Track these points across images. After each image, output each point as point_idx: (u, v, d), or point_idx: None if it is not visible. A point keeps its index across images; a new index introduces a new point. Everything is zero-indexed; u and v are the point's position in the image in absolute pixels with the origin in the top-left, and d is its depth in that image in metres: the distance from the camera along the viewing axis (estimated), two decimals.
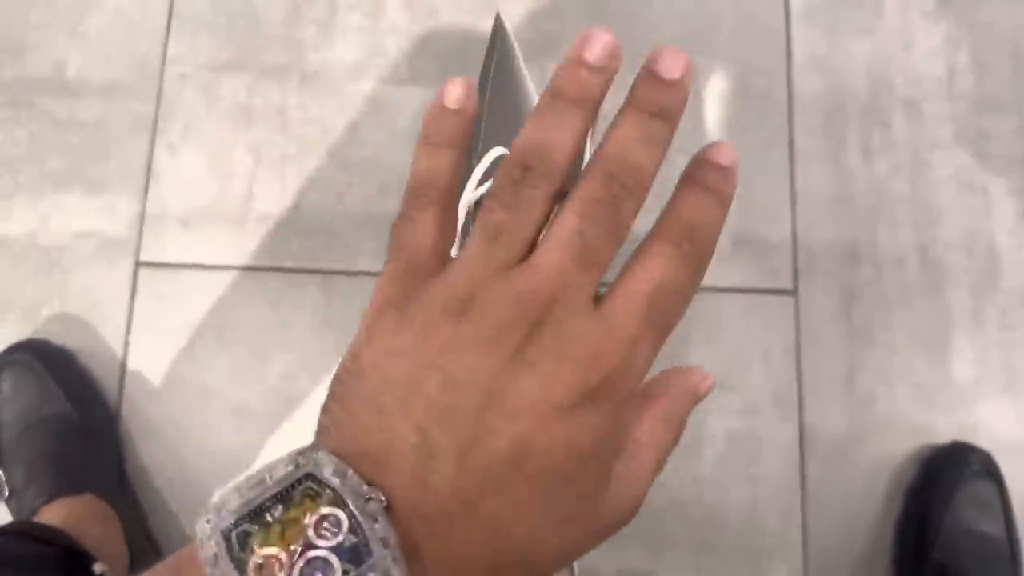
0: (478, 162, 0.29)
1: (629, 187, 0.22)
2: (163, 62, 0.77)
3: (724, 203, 0.23)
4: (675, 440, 0.25)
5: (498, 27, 0.44)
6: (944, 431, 0.72)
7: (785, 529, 0.70)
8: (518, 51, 0.45)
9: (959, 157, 0.77)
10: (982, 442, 0.71)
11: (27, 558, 0.47)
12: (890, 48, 0.79)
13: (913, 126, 0.77)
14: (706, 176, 0.23)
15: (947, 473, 0.68)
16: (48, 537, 0.49)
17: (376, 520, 0.19)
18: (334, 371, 0.23)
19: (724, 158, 0.23)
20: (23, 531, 0.50)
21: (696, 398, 0.26)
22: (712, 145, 0.23)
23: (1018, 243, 0.75)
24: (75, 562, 0.48)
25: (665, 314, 0.22)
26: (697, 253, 0.22)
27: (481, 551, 0.21)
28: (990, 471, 0.69)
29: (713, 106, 0.77)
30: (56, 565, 0.48)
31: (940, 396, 0.72)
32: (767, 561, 0.69)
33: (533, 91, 0.46)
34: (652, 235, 0.23)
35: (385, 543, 0.19)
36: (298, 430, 0.70)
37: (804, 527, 0.70)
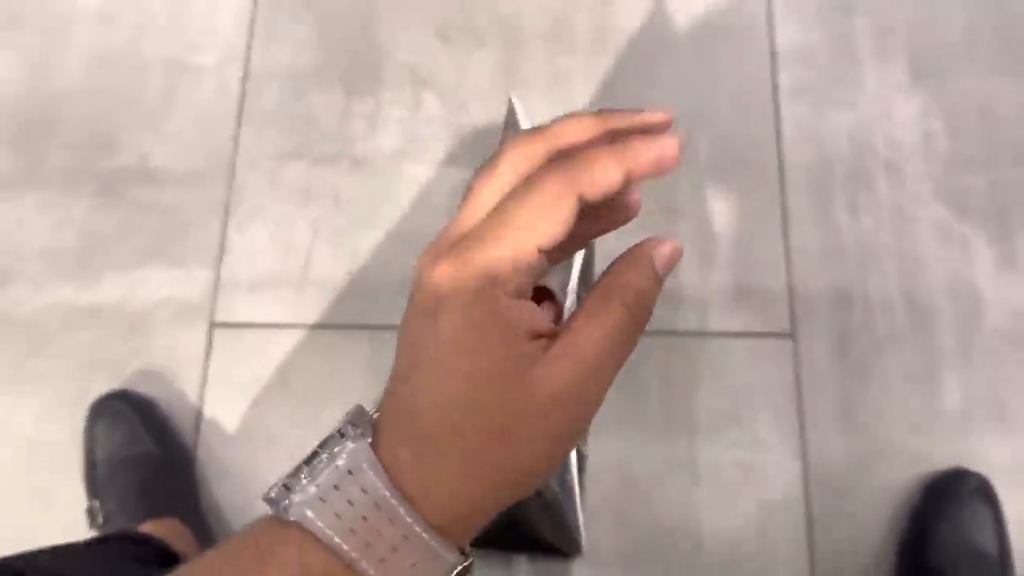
0: None
1: None
2: (234, 153, 0.90)
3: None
4: (626, 320, 0.26)
5: (511, 109, 0.55)
6: (940, 458, 0.78)
7: (794, 554, 0.76)
8: (526, 123, 0.55)
9: (938, 211, 0.85)
10: (976, 467, 0.77)
11: (132, 551, 0.55)
12: (871, 118, 0.88)
13: (895, 186, 0.86)
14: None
15: (947, 494, 0.74)
16: (146, 539, 0.58)
17: (359, 428, 0.25)
18: None
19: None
20: (124, 535, 0.59)
21: (655, 269, 0.26)
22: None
23: (997, 286, 0.83)
24: (170, 560, 0.57)
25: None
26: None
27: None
28: (986, 493, 0.75)
29: (713, 176, 0.87)
30: (155, 560, 0.56)
31: (934, 426, 0.79)
32: (776, 574, 0.75)
33: None
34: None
35: (355, 435, 0.25)
36: None
37: (811, 552, 0.76)
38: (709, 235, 0.85)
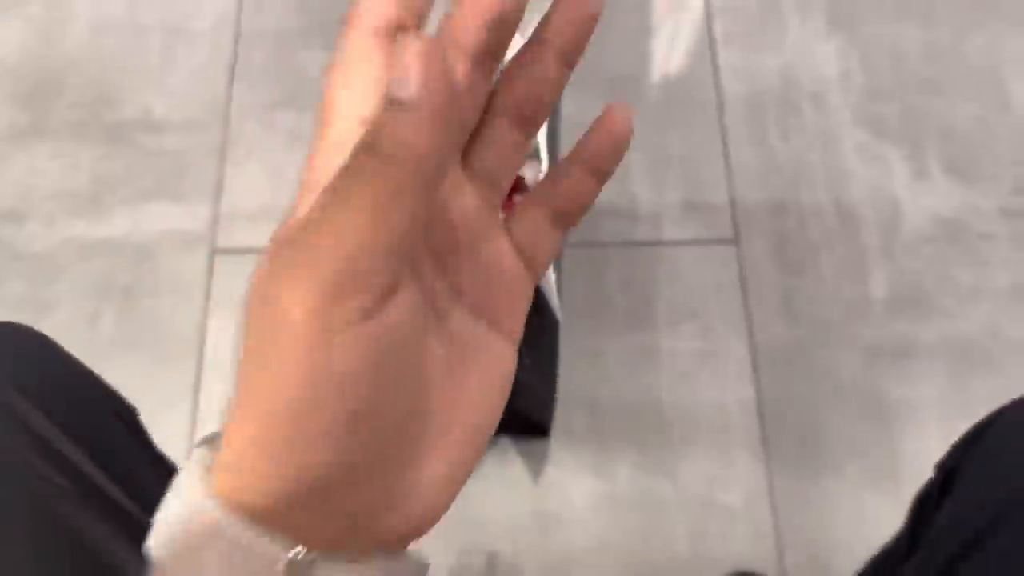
0: None
1: None
2: (228, 104, 0.99)
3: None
4: None
5: None
6: (871, 337, 0.88)
7: (747, 424, 0.86)
8: None
9: (858, 135, 0.97)
10: (902, 345, 0.87)
11: None
12: (795, 59, 1.01)
13: (820, 113, 0.98)
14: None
15: None
16: None
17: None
18: None
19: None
20: None
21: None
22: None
23: (913, 195, 0.95)
24: None
25: None
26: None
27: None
28: None
29: (661, 114, 0.98)
30: None
31: (865, 311, 0.89)
32: (731, 442, 0.85)
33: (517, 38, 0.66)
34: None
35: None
36: None
37: (762, 422, 0.86)
38: (660, 160, 0.96)
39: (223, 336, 0.89)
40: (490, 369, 0.25)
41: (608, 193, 0.96)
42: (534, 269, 0.26)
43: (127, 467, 0.44)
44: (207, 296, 0.90)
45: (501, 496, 0.83)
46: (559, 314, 0.62)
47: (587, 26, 0.23)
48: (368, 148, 0.19)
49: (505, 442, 0.85)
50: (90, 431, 0.43)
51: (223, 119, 0.98)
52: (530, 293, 0.26)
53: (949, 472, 0.47)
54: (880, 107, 0.98)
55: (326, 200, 0.20)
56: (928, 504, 0.48)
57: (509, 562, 0.82)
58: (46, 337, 0.46)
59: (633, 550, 0.82)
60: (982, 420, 0.46)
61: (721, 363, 0.88)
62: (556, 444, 0.86)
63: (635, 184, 0.95)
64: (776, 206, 0.94)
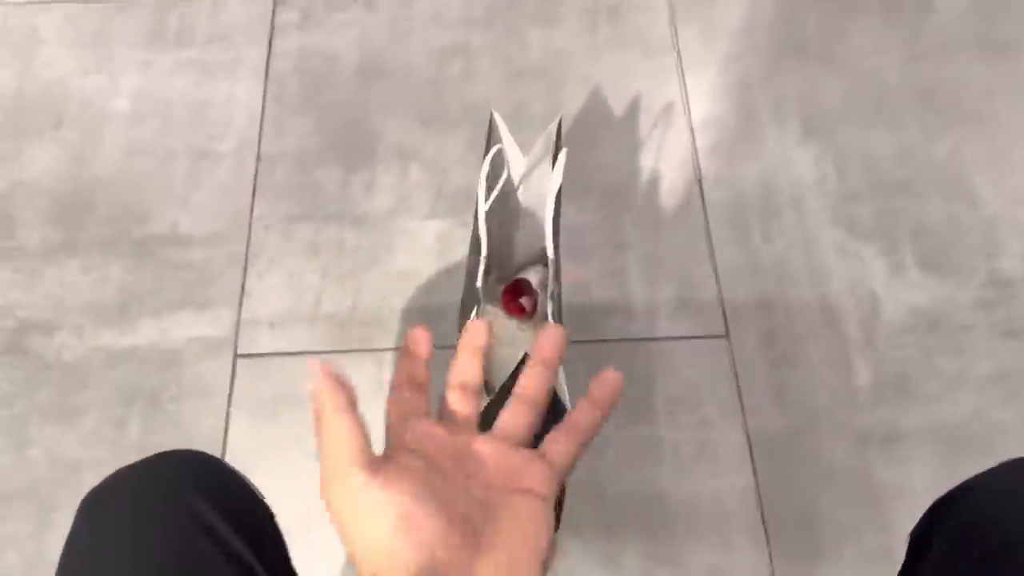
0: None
1: None
2: (250, 218, 1.06)
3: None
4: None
5: (492, 123, 0.73)
6: (860, 423, 0.93)
7: (746, 509, 0.89)
8: (506, 134, 0.73)
9: (836, 233, 1.04)
10: (884, 430, 0.92)
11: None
12: (774, 165, 1.09)
13: (799, 215, 1.06)
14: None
15: None
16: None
17: None
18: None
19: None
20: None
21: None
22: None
23: (890, 288, 1.01)
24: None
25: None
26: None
27: None
28: None
29: (650, 217, 1.06)
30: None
31: (852, 399, 0.95)
32: (732, 529, 0.88)
33: (518, 155, 0.74)
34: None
35: None
36: None
37: (760, 506, 0.89)
38: (651, 261, 1.03)
39: (244, 436, 0.93)
40: (520, 520, 0.34)
41: (607, 293, 1.03)
42: (556, 469, 0.37)
43: (275, 557, 0.53)
44: (229, 399, 0.95)
45: None
46: (569, 406, 0.67)
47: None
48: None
49: None
50: (253, 529, 0.51)
51: (245, 232, 1.05)
52: (553, 483, 0.36)
53: (917, 540, 0.50)
54: (855, 207, 1.06)
55: None
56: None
57: None
58: (218, 459, 0.54)
59: None
60: (948, 492, 0.50)
61: (719, 452, 0.92)
62: (564, 536, 0.89)
63: (631, 284, 1.01)
64: (763, 302, 1.00)
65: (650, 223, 1.05)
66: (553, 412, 0.68)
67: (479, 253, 0.72)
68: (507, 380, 0.63)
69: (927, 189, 1.08)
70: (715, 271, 1.02)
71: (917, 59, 1.17)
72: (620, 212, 1.06)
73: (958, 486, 0.51)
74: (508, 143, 0.73)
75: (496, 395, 0.63)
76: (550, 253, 0.69)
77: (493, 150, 0.64)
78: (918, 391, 0.95)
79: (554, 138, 0.71)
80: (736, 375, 0.96)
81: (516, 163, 0.75)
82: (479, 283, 0.66)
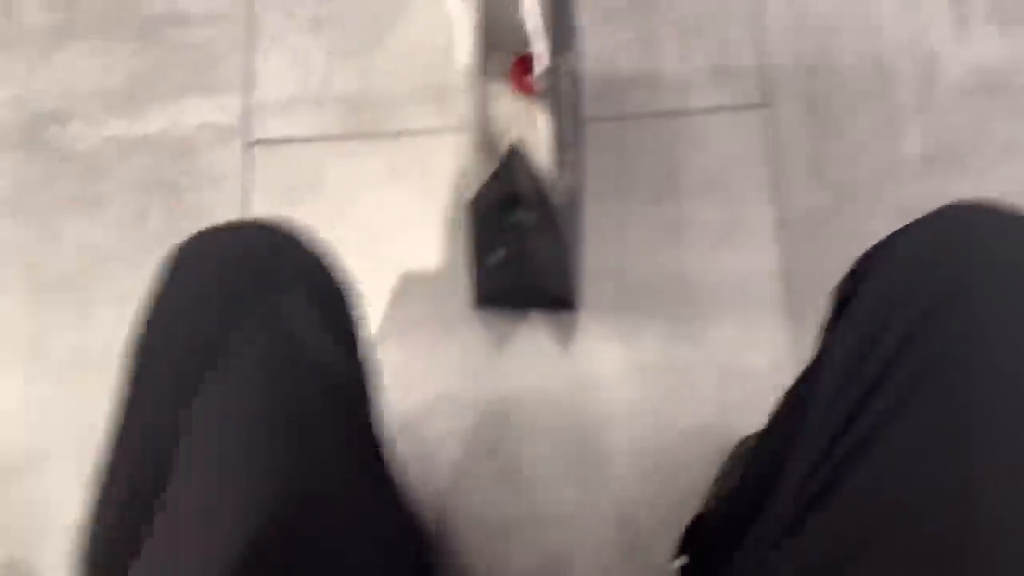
0: None
1: None
2: None
3: None
4: None
5: None
6: (904, 196, 0.87)
7: (774, 293, 0.87)
8: None
9: None
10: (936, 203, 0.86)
11: None
12: None
13: None
14: None
15: None
16: None
17: None
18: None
19: None
20: None
21: None
22: None
23: (952, 44, 0.90)
24: None
25: None
26: None
27: None
28: None
29: None
30: None
31: (898, 170, 0.88)
32: (756, 309, 0.86)
33: None
34: None
35: None
36: (381, 255, 0.90)
37: (788, 288, 0.86)
38: (684, 23, 0.93)
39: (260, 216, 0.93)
40: None
41: (634, 61, 0.94)
42: None
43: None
44: (243, 188, 0.94)
45: (533, 366, 0.87)
46: (559, 203, 0.63)
47: None
48: None
49: (535, 316, 0.88)
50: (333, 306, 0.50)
51: (246, 11, 0.98)
52: None
53: (846, 289, 0.45)
54: None
55: None
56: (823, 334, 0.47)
57: (544, 425, 0.87)
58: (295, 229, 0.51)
59: (661, 413, 0.86)
60: (882, 240, 0.44)
61: (747, 232, 0.88)
62: (585, 316, 0.88)
63: (662, 51, 0.93)
64: (808, 66, 0.91)
65: None
66: (543, 207, 0.64)
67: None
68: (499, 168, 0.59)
69: None
70: (755, 32, 0.92)
71: None
72: None
73: (890, 235, 0.45)
74: None
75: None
76: (530, 26, 0.62)
77: None
78: (970, 161, 0.88)
79: None
80: (774, 148, 0.89)
81: None
82: (464, 60, 0.60)
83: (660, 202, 0.90)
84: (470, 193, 0.60)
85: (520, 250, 0.66)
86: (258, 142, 0.95)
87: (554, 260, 0.75)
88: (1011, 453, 0.36)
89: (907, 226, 0.44)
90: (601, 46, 0.93)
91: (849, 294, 0.46)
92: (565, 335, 0.88)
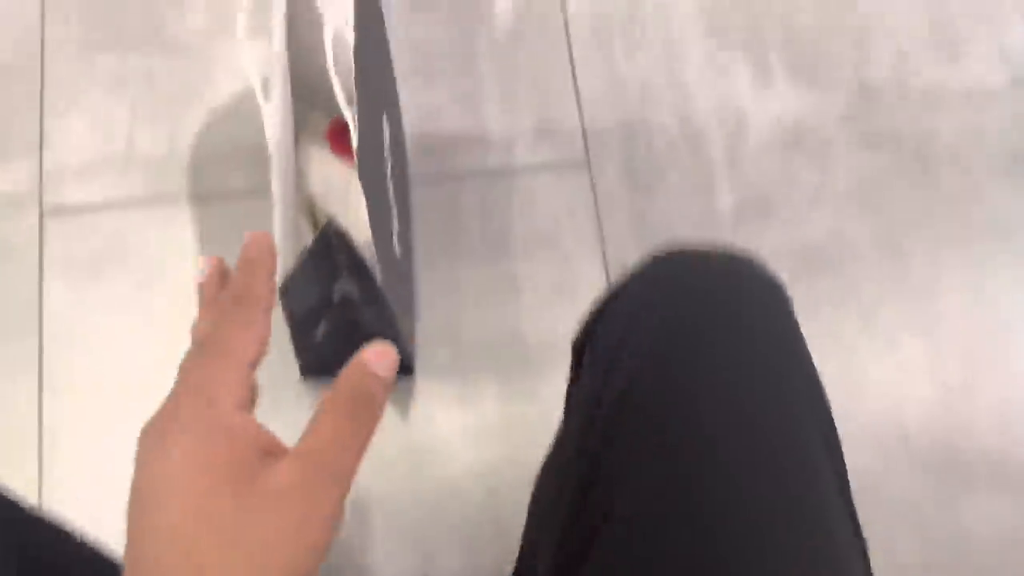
0: None
1: None
2: (42, 47, 0.91)
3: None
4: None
5: None
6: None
7: None
8: None
9: (705, 45, 0.97)
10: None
11: None
12: None
13: (664, 27, 0.97)
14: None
15: None
16: None
17: None
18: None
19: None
20: None
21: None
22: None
23: (757, 102, 0.96)
24: None
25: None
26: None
27: None
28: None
29: (507, 36, 0.96)
30: None
31: (713, 224, 0.92)
32: None
33: None
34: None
35: None
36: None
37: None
38: (508, 83, 0.94)
39: (62, 303, 0.85)
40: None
41: (460, 120, 0.94)
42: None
43: None
44: (40, 261, 0.85)
45: None
46: (378, 276, 0.61)
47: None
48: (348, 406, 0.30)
49: None
50: None
51: (37, 64, 0.91)
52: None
53: (580, 348, 0.47)
54: (725, 14, 0.98)
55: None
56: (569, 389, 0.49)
57: (382, 496, 0.83)
58: None
59: (502, 473, 0.84)
60: (605, 295, 0.46)
61: (578, 288, 0.89)
62: (421, 380, 0.86)
63: (486, 110, 0.93)
64: (625, 126, 0.94)
65: (505, 44, 0.96)
66: (365, 281, 0.62)
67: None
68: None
69: None
70: (576, 94, 0.95)
71: None
72: (475, 25, 0.96)
73: (611, 286, 0.47)
74: None
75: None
76: (339, 93, 0.60)
77: None
78: (778, 211, 0.93)
79: None
80: (597, 206, 0.91)
81: None
82: (273, 133, 0.57)
83: (492, 260, 0.89)
84: (283, 271, 0.57)
85: (346, 322, 0.63)
86: (55, 210, 0.87)
87: (383, 329, 0.72)
88: (744, 487, 0.37)
89: (624, 277, 0.46)
90: (422, 102, 0.93)
91: (582, 350, 0.47)
92: (402, 401, 0.86)
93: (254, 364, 0.31)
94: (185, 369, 0.31)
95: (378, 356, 0.30)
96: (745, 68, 0.97)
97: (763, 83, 0.97)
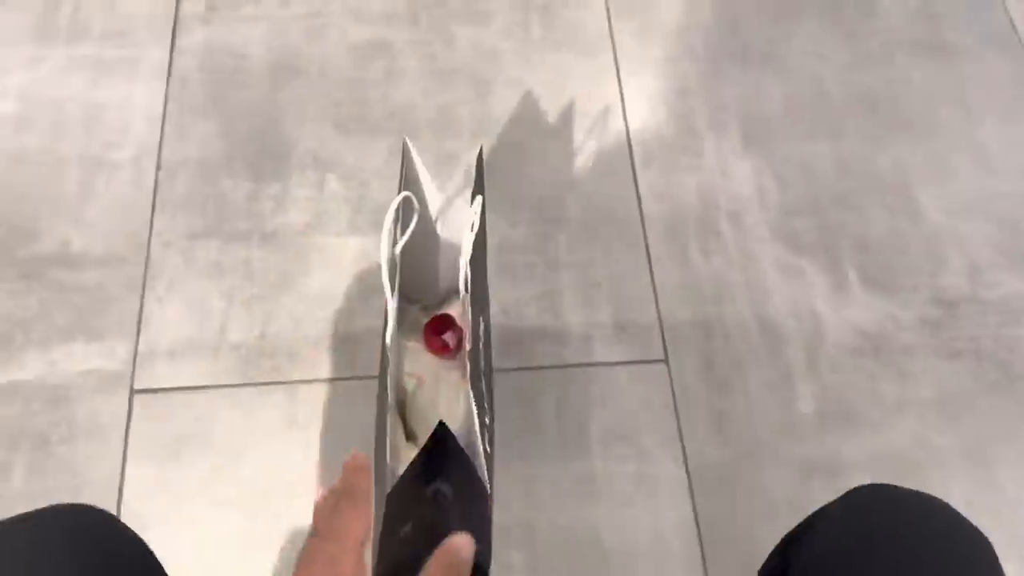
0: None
1: None
2: (149, 235, 0.97)
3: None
4: None
5: (405, 149, 0.66)
6: (799, 455, 0.89)
7: (687, 549, 0.85)
8: (421, 165, 0.66)
9: (776, 249, 1.00)
10: (830, 463, 0.88)
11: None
12: (712, 178, 1.04)
13: (738, 231, 1.01)
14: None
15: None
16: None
17: None
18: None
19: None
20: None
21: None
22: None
23: (833, 307, 0.97)
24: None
25: None
26: None
27: None
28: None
29: (585, 232, 1.00)
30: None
31: (793, 427, 0.90)
32: (671, 567, 0.83)
33: (430, 181, 0.67)
34: None
35: None
36: (271, 517, 0.83)
37: (701, 545, 0.85)
38: (587, 281, 0.97)
39: (142, 482, 0.85)
40: None
41: (540, 316, 0.96)
42: None
43: None
44: (125, 440, 0.87)
45: None
46: (489, 487, 0.61)
47: None
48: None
49: None
50: None
51: (143, 252, 0.96)
52: None
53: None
54: (795, 222, 1.02)
55: None
56: None
57: None
58: (109, 517, 0.51)
59: None
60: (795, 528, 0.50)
61: (657, 486, 0.87)
62: None
63: (565, 306, 0.95)
64: (702, 323, 0.95)
65: (583, 240, 0.99)
66: (471, 488, 0.62)
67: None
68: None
69: (869, 202, 1.04)
70: (654, 291, 0.97)
71: (859, 65, 1.13)
72: (553, 227, 1.00)
73: (803, 521, 0.52)
74: (422, 173, 0.66)
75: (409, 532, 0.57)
76: (463, 291, 0.62)
77: (398, 199, 0.57)
78: (860, 418, 0.92)
79: (474, 172, 0.64)
80: (675, 402, 0.91)
81: (432, 196, 0.68)
82: (388, 339, 0.59)
83: (569, 456, 0.88)
84: (392, 478, 0.57)
85: (431, 522, 0.62)
86: (144, 391, 0.89)
87: (468, 529, 0.71)
88: None
89: (823, 508, 0.51)
90: (506, 300, 0.95)
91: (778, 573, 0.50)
92: None
93: (365, 544, 0.37)
94: (311, 549, 0.37)
95: (466, 542, 0.36)
96: (818, 274, 0.99)
97: (838, 288, 0.98)
